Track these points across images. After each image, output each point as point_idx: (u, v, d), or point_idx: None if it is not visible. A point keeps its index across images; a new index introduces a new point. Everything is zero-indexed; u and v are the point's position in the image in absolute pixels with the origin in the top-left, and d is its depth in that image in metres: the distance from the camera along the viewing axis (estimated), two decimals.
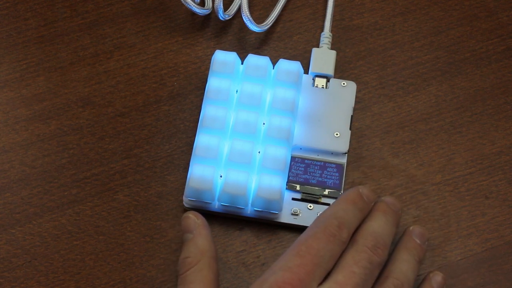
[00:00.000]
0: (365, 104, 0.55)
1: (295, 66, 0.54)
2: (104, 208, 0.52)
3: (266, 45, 0.57)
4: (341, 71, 0.56)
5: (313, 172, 0.52)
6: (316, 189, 0.52)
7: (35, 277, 0.50)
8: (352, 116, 0.54)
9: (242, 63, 0.55)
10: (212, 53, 0.56)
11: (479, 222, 0.52)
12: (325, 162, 0.53)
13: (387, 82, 0.56)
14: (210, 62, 0.56)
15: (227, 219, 0.52)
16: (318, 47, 0.57)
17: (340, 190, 0.52)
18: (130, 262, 0.51)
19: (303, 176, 0.52)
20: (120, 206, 0.52)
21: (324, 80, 0.55)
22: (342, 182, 0.52)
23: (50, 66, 0.56)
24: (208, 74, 0.55)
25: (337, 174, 0.53)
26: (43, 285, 0.50)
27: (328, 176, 0.52)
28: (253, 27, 0.56)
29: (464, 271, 0.51)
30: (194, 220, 0.48)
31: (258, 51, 0.57)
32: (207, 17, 0.58)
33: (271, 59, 0.55)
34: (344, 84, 0.55)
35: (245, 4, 0.55)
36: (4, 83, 0.56)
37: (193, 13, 0.58)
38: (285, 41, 0.57)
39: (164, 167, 0.53)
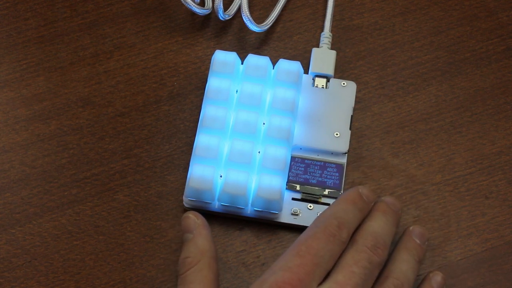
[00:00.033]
0: (365, 104, 0.55)
1: (295, 66, 0.54)
2: (104, 208, 0.52)
3: (266, 45, 0.57)
4: (341, 71, 0.56)
5: (313, 172, 0.52)
6: (316, 189, 0.52)
7: (35, 277, 0.50)
8: (352, 116, 0.54)
9: (242, 63, 0.55)
10: (212, 53, 0.56)
11: (479, 222, 0.52)
12: (325, 162, 0.53)
13: (387, 82, 0.56)
14: (210, 62, 0.56)
15: (227, 219, 0.52)
16: (318, 47, 0.57)
17: (340, 190, 0.52)
18: (130, 262, 0.51)
19: (303, 176, 0.52)
20: (120, 206, 0.52)
21: (324, 80, 0.55)
22: (342, 182, 0.52)
23: (50, 66, 0.56)
24: (208, 74, 0.55)
25: (337, 174, 0.52)
26: (43, 285, 0.50)
27: (328, 176, 0.52)
28: (253, 27, 0.56)
29: (464, 271, 0.51)
30: (194, 220, 0.48)
31: (258, 51, 0.57)
32: (207, 17, 0.58)
33: (271, 59, 0.55)
34: (344, 84, 0.55)
35: (245, 4, 0.55)
36: (4, 83, 0.56)
37: (193, 13, 0.58)
38: (285, 41, 0.57)
39: (164, 167, 0.53)
